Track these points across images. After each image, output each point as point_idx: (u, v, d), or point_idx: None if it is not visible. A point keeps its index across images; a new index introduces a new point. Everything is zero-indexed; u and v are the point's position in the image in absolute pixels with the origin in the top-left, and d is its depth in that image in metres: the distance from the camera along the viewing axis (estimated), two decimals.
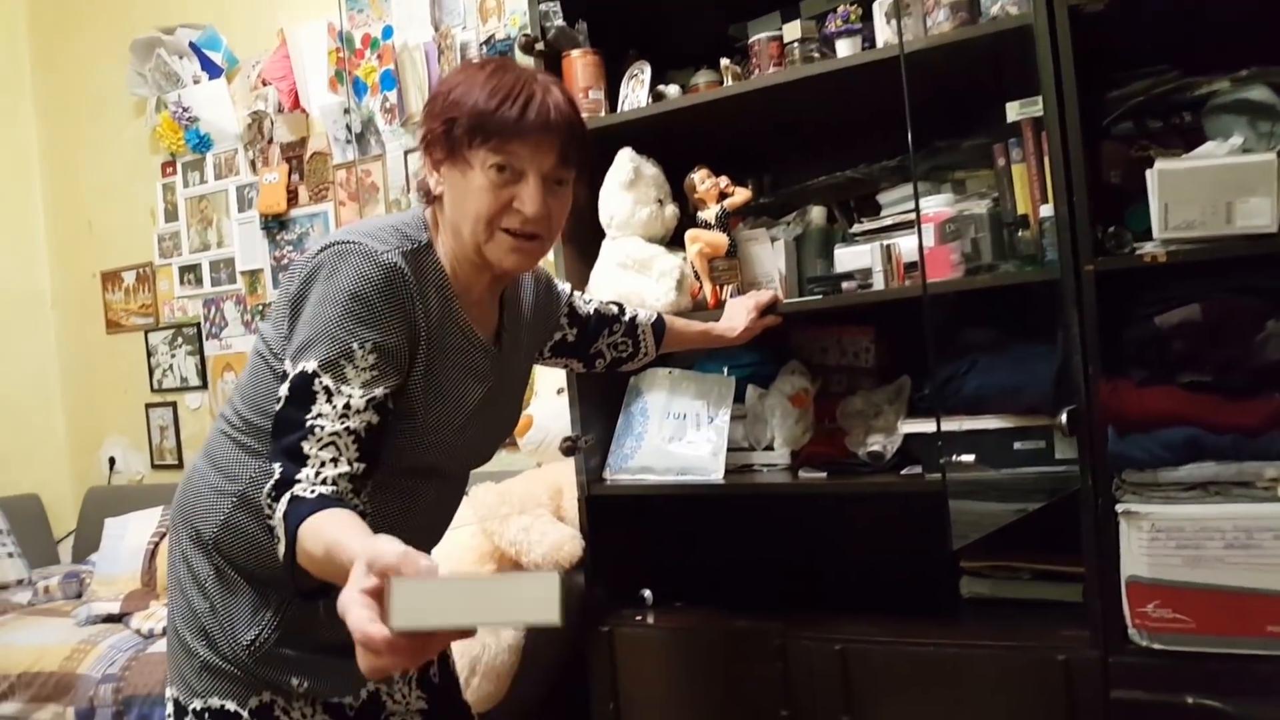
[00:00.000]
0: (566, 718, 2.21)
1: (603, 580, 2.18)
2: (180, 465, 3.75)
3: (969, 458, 1.64)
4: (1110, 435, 1.59)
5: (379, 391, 1.20)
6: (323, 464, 1.14)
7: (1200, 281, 1.55)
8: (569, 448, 2.08)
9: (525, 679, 2.08)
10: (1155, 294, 1.58)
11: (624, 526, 2.20)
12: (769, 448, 2.04)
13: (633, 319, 1.74)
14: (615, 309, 1.73)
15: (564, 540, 2.20)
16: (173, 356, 3.73)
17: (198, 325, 3.64)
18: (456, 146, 1.24)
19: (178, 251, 3.68)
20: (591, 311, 1.69)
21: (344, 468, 1.15)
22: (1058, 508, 1.70)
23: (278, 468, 1.14)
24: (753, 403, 2.05)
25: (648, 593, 2.21)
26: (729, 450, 2.01)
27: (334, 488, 1.13)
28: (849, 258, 1.86)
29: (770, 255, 1.93)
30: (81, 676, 2.56)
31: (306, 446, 1.14)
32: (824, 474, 1.92)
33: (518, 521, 2.18)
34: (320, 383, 1.16)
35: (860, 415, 1.97)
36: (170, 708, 1.37)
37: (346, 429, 1.17)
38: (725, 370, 2.07)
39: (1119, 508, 1.59)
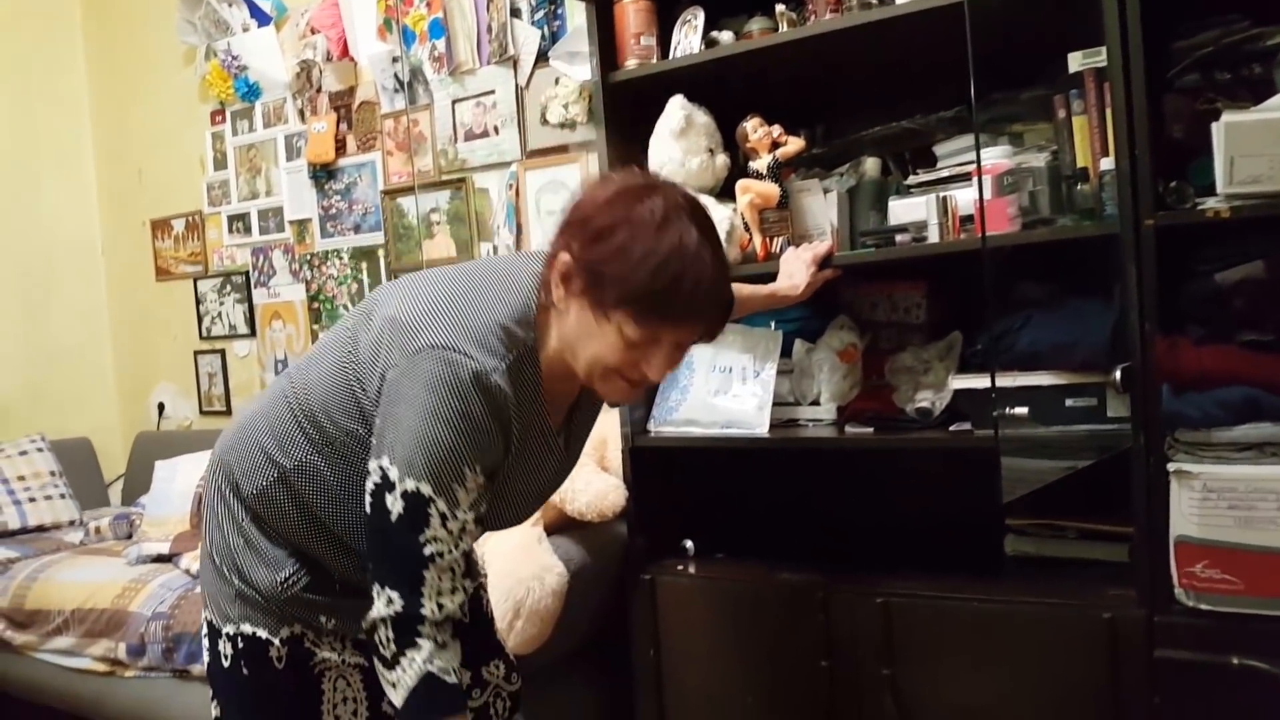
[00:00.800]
0: (608, 663, 2.26)
1: (645, 530, 2.21)
2: (228, 412, 3.84)
3: (1021, 410, 1.64)
4: (1165, 393, 1.58)
5: (483, 508, 1.27)
6: (440, 593, 1.21)
7: (1264, 238, 1.53)
8: (615, 401, 2.10)
9: (568, 624, 2.12)
10: (1217, 250, 1.56)
11: (667, 478, 2.23)
12: (815, 403, 2.05)
13: None
14: None
15: (608, 490, 2.23)
16: (221, 304, 3.80)
17: (246, 273, 3.71)
18: (600, 299, 1.21)
19: (226, 200, 3.73)
20: None
21: (460, 596, 1.24)
22: (1106, 467, 1.70)
23: (396, 596, 1.19)
24: (800, 357, 2.06)
25: (689, 543, 2.24)
26: (774, 405, 2.03)
27: (452, 625, 1.23)
28: (903, 210, 1.86)
29: (822, 207, 1.93)
30: (133, 614, 2.63)
31: (428, 576, 1.20)
32: (870, 429, 1.93)
33: None
34: (435, 507, 1.20)
35: (909, 371, 1.98)
36: (205, 629, 1.42)
37: (462, 553, 1.23)
38: (772, 325, 2.08)
39: (1170, 467, 1.59)
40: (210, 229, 3.81)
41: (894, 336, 2.07)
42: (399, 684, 1.20)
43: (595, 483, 2.23)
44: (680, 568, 2.16)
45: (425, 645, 1.20)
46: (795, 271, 1.86)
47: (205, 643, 1.43)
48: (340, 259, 3.42)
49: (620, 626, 2.20)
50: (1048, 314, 1.72)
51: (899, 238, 1.84)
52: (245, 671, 1.37)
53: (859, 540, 2.24)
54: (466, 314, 1.25)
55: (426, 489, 1.19)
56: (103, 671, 2.68)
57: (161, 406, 4.04)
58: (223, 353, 3.83)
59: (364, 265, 3.36)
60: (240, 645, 1.37)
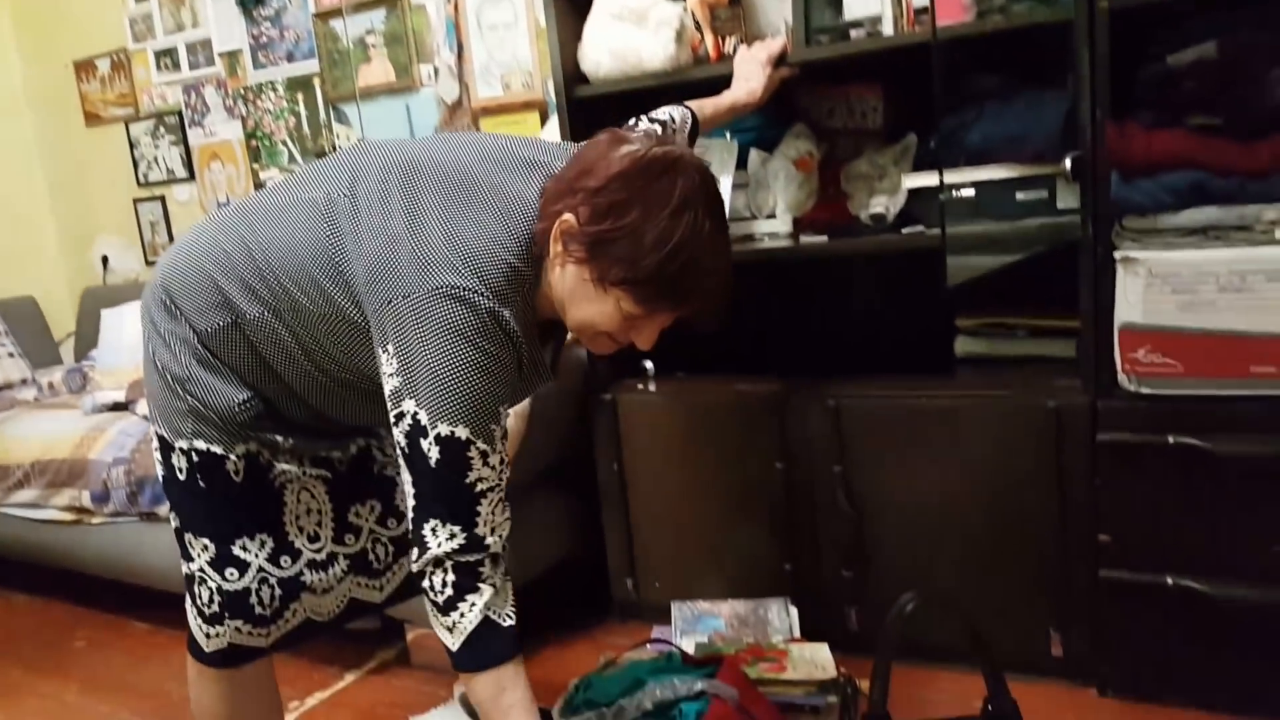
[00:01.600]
0: (574, 481, 2.33)
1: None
2: None
3: (969, 191, 1.65)
4: (1114, 180, 1.60)
5: None
6: (495, 527, 1.24)
7: (1217, 18, 1.52)
8: None
9: (533, 445, 2.17)
10: (1171, 33, 1.56)
11: None
12: (771, 216, 2.05)
13: (664, 127, 1.66)
14: (658, 128, 1.64)
15: None
16: (156, 148, 3.67)
17: (179, 113, 3.57)
18: (602, 273, 1.21)
19: (151, 35, 3.55)
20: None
21: (509, 526, 1.27)
22: (1055, 264, 1.74)
23: (458, 530, 1.21)
24: (756, 168, 2.05)
25: (649, 364, 2.27)
26: (731, 220, 2.02)
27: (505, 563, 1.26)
28: (858, 5, 1.81)
29: (776, 4, 1.88)
30: (93, 461, 2.63)
31: (482, 510, 1.22)
32: (825, 237, 1.94)
33: None
34: (475, 448, 1.20)
35: (865, 178, 1.98)
36: (156, 442, 1.41)
37: (503, 483, 1.26)
38: (728, 135, 2.05)
39: (1117, 254, 1.62)
40: (137, 67, 3.63)
41: (851, 145, 2.06)
42: (456, 628, 1.22)
43: None
44: (640, 386, 2.20)
45: (486, 589, 1.22)
46: (751, 75, 1.82)
47: (158, 456, 1.41)
48: (275, 92, 3.29)
49: (584, 445, 2.25)
50: (1001, 106, 1.72)
51: (854, 33, 1.81)
52: (202, 484, 1.37)
53: (815, 350, 2.28)
54: (478, 245, 1.22)
55: (463, 433, 1.19)
56: (70, 521, 2.69)
57: (106, 260, 3.95)
58: (163, 199, 3.73)
59: (300, 96, 3.25)
60: (195, 459, 1.36)
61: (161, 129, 3.63)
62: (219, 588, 1.39)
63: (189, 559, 1.42)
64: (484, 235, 1.22)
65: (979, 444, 1.81)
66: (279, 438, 1.40)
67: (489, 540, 1.22)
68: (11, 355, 3.58)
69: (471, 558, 1.21)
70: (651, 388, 2.20)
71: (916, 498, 1.88)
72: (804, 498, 1.99)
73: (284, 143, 3.33)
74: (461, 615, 1.21)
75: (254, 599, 1.40)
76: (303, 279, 1.28)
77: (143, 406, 2.79)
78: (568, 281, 1.24)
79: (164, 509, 2.47)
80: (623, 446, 2.19)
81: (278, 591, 1.42)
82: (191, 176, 3.61)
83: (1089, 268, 1.66)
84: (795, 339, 2.38)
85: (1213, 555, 1.65)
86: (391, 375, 1.22)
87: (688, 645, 1.82)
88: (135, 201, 3.80)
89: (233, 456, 1.37)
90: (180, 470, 1.37)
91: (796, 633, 1.91)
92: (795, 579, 2.02)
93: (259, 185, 3.43)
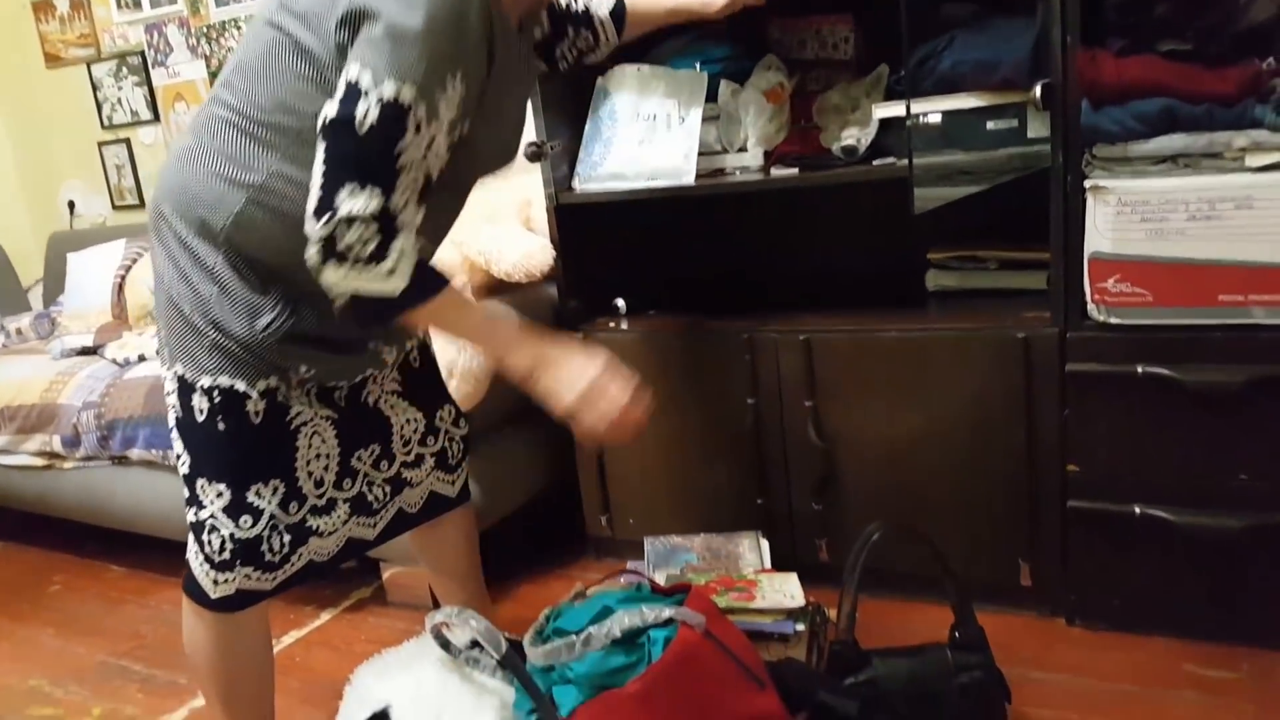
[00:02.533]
0: (546, 416, 2.32)
1: (576, 291, 2.23)
2: (142, 205, 3.71)
3: (936, 118, 1.64)
4: (1084, 108, 1.59)
5: (457, 133, 1.25)
6: (408, 207, 1.20)
7: None
8: (534, 153, 2.07)
9: (503, 384, 2.16)
10: None
11: (595, 236, 2.23)
12: (742, 149, 2.03)
13: (586, 10, 1.68)
14: (577, 5, 1.67)
15: (534, 250, 2.22)
16: (120, 90, 3.60)
17: (142, 53, 3.49)
18: None
19: None
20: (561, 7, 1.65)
21: (417, 215, 1.23)
22: (1027, 197, 1.73)
23: (378, 192, 1.16)
24: (726, 100, 2.02)
25: (621, 302, 2.27)
26: (701, 155, 2.00)
27: None
28: None
29: None
30: (63, 405, 2.62)
31: (400, 181, 1.18)
32: (795, 170, 1.93)
33: (487, 231, 2.19)
34: (414, 116, 1.16)
35: (837, 111, 1.96)
36: (174, 384, 1.39)
37: (426, 172, 1.22)
38: (698, 66, 2.03)
39: (1087, 183, 1.62)
40: (97, 6, 3.55)
41: (822, 77, 2.04)
42: (397, 269, 1.20)
43: (521, 242, 2.22)
44: (612, 325, 2.20)
45: (408, 234, 1.21)
46: None
47: (174, 399, 1.39)
48: (239, 29, 3.23)
49: None
50: (971, 34, 1.70)
51: None
52: (221, 426, 1.36)
53: (787, 286, 2.28)
54: None
55: (407, 95, 1.14)
56: (41, 466, 2.69)
57: (72, 205, 3.89)
58: (128, 142, 3.66)
59: None
60: (217, 399, 1.35)
61: (124, 70, 3.56)
62: (231, 535, 1.38)
63: (198, 506, 1.40)
64: None
65: (949, 377, 1.82)
66: (303, 366, 1.39)
67: (402, 218, 1.20)
68: None
69: (388, 223, 1.18)
70: (624, 325, 2.19)
71: (886, 431, 1.89)
72: (775, 433, 1.99)
73: None
74: (398, 256, 1.20)
75: (264, 546, 1.40)
76: (297, 91, 1.26)
77: (111, 350, 2.77)
78: None
79: (136, 452, 2.46)
80: None
81: (286, 538, 1.42)
82: (156, 118, 3.55)
83: (1059, 197, 1.66)
84: (767, 274, 2.37)
85: (1180, 484, 1.67)
86: (347, 66, 1.17)
87: (660, 579, 1.84)
88: (100, 145, 3.73)
89: (254, 394, 1.36)
90: (200, 411, 1.36)
91: (768, 565, 1.92)
92: (767, 513, 2.03)
93: None
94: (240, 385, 1.35)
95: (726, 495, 2.07)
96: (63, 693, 2.08)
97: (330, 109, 1.17)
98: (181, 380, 1.37)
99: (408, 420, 1.60)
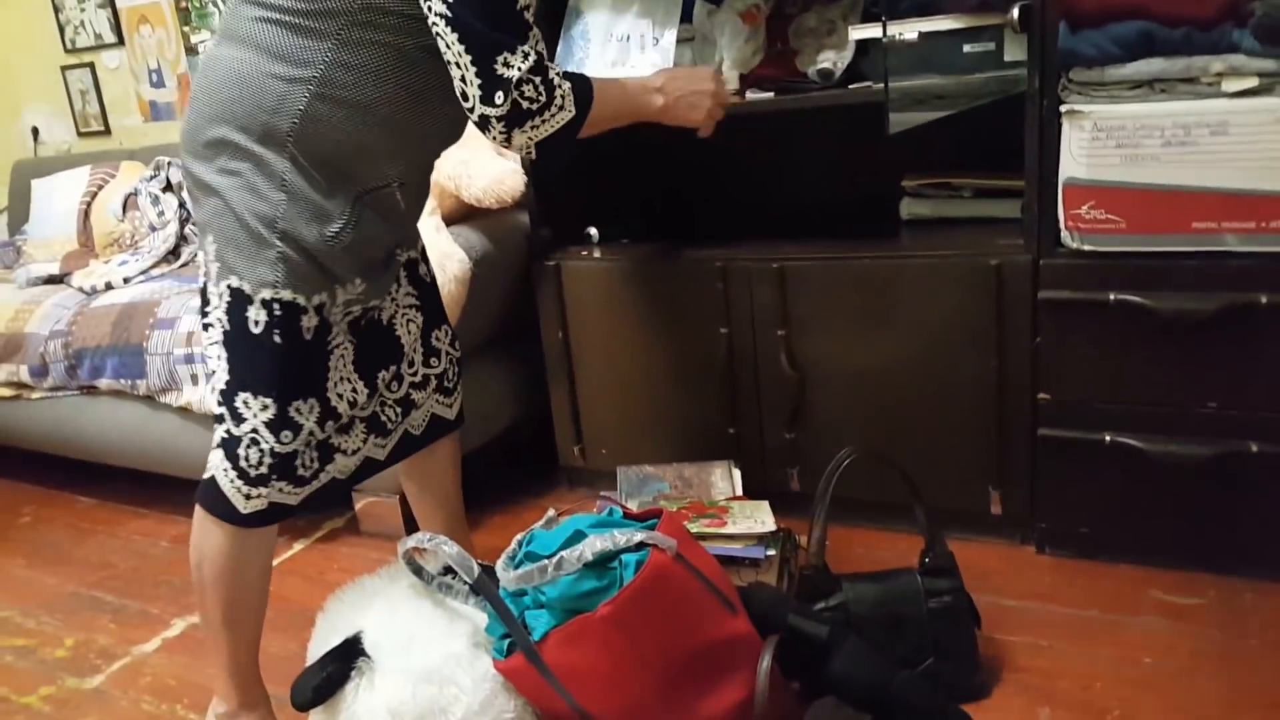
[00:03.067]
0: (520, 348, 2.32)
1: (548, 219, 2.21)
2: (107, 131, 3.64)
3: (912, 36, 1.62)
4: (1062, 31, 1.57)
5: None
6: (539, 38, 1.32)
7: None
8: None
9: (476, 311, 2.15)
10: None
11: (568, 166, 2.20)
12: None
13: None
14: None
15: (505, 174, 2.20)
16: (82, 10, 3.51)
17: None
18: None
19: None
20: None
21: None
22: (1002, 123, 1.72)
23: (529, 48, 1.29)
24: (701, 21, 1.99)
25: (593, 230, 2.25)
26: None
27: None
28: None
29: None
30: (30, 334, 2.60)
31: (531, 26, 1.31)
32: (770, 94, 1.90)
33: (456, 154, 2.16)
34: None
35: (813, 33, 1.93)
36: (225, 298, 1.37)
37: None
38: None
39: (1063, 108, 1.61)
40: None
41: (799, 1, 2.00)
42: (566, 98, 1.33)
43: (492, 167, 2.19)
44: (585, 254, 2.18)
45: (551, 64, 1.33)
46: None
47: (221, 314, 1.38)
48: None
49: (529, 312, 2.24)
50: None
51: None
52: (277, 339, 1.36)
53: (761, 212, 2.27)
54: None
55: None
56: (9, 396, 2.67)
57: (36, 131, 3.81)
58: (92, 66, 3.58)
59: None
60: (277, 312, 1.35)
61: None
62: (271, 449, 1.40)
63: (237, 420, 1.40)
64: None
65: (921, 305, 1.82)
66: (357, 279, 1.41)
67: (544, 52, 1.33)
68: None
69: (540, 66, 1.30)
70: (596, 254, 2.18)
71: (858, 361, 1.89)
72: (747, 363, 2.00)
73: (215, 2, 3.19)
74: (560, 89, 1.33)
75: (299, 461, 1.43)
76: None
77: (78, 278, 2.74)
78: None
79: (104, 382, 2.45)
80: (567, 314, 2.18)
81: (315, 454, 1.45)
82: (121, 41, 3.46)
83: (1034, 122, 1.64)
84: (741, 200, 2.35)
85: (1150, 412, 1.68)
86: None
87: (633, 505, 1.85)
88: (63, 69, 3.65)
89: (310, 309, 1.37)
90: (256, 324, 1.36)
91: (739, 493, 1.94)
92: (739, 442, 2.04)
93: (190, 50, 3.31)
94: (300, 299, 1.37)
95: (699, 425, 2.08)
96: (34, 623, 2.09)
97: (436, 3, 1.24)
98: (237, 293, 1.37)
99: (417, 340, 1.62)
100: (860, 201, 2.12)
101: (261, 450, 1.40)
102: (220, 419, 1.42)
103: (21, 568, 2.37)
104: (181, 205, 2.91)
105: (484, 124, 1.31)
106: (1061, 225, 1.67)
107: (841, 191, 2.19)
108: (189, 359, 2.29)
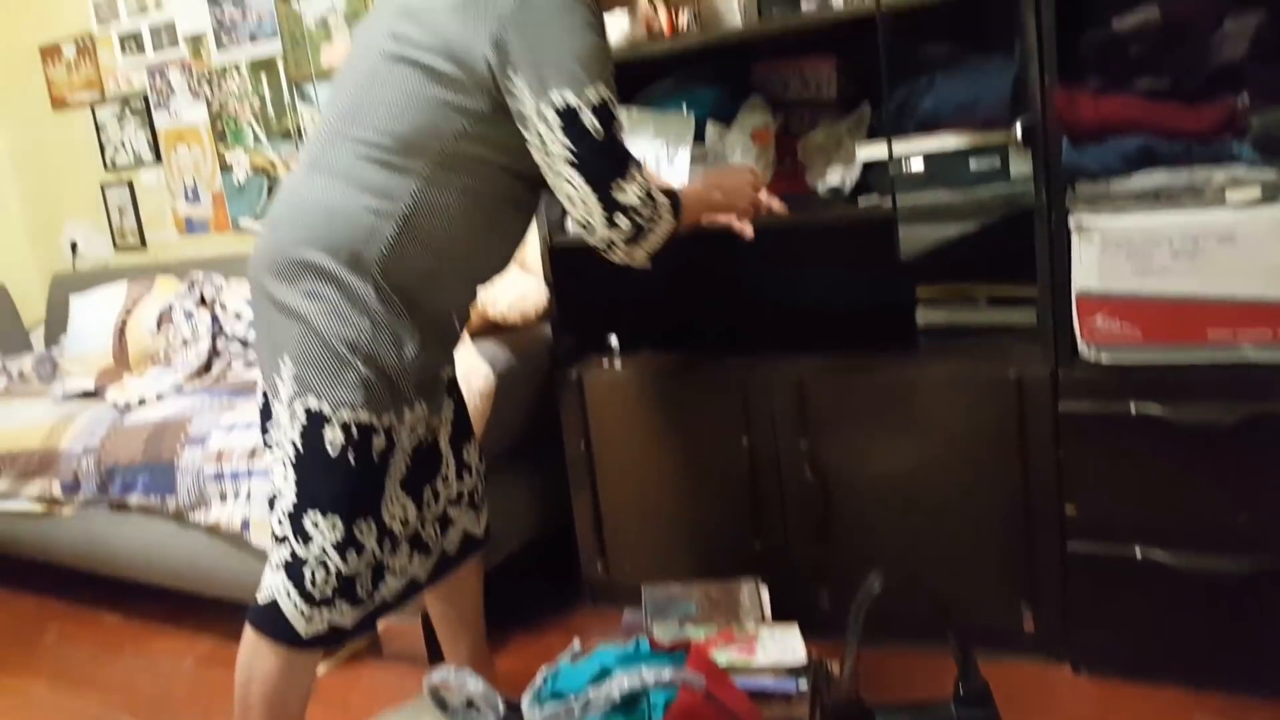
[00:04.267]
0: (542, 459, 2.37)
1: (570, 329, 2.29)
2: (143, 245, 3.81)
3: (918, 166, 1.68)
4: (1065, 146, 1.63)
5: None
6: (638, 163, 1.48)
7: None
8: None
9: (499, 424, 2.21)
10: None
11: (588, 275, 2.27)
12: (676, 213, 2.08)
13: None
14: None
15: (529, 290, 2.29)
16: (123, 132, 3.72)
17: (145, 97, 3.61)
18: None
19: (115, 17, 3.59)
20: None
21: None
22: (1015, 233, 1.77)
23: (636, 171, 1.45)
24: (713, 141, 2.08)
25: (614, 339, 2.32)
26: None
27: None
28: None
29: None
30: (63, 451, 2.67)
31: (633, 152, 1.46)
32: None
33: None
34: (613, 104, 1.41)
35: (821, 150, 2.01)
36: (300, 419, 1.44)
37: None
38: (685, 108, 2.09)
39: (1071, 221, 1.66)
40: (102, 51, 3.67)
41: (806, 117, 2.09)
42: (666, 211, 1.49)
43: (516, 284, 2.28)
44: (605, 363, 2.25)
45: (651, 180, 1.49)
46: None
47: (294, 433, 1.45)
48: (239, 73, 3.34)
49: (551, 424, 2.29)
50: (951, 75, 1.75)
51: (804, 5, 1.84)
52: (351, 459, 1.44)
53: (778, 321, 2.32)
54: None
55: (604, 91, 1.40)
56: (40, 512, 2.74)
57: (75, 245, 4.00)
58: (130, 184, 3.77)
59: (264, 77, 3.29)
60: (354, 435, 1.44)
61: (128, 112, 3.68)
62: (338, 570, 1.46)
63: (304, 540, 1.46)
64: None
65: (943, 416, 1.85)
66: (421, 401, 1.51)
67: (645, 171, 1.48)
68: None
69: (647, 186, 1.46)
70: (617, 364, 2.24)
71: (882, 472, 1.92)
72: (771, 473, 2.03)
73: (249, 124, 3.37)
74: (664, 204, 1.49)
75: (358, 582, 1.49)
76: (433, 114, 1.41)
77: (112, 393, 2.84)
78: None
79: (135, 498, 2.52)
80: (590, 425, 2.23)
81: (370, 574, 1.51)
82: (158, 160, 3.65)
83: (1044, 235, 1.70)
84: (758, 309, 2.41)
85: (1180, 526, 1.68)
86: (524, 86, 1.37)
87: (659, 629, 1.86)
88: (103, 186, 3.85)
89: (381, 430, 1.46)
90: (332, 445, 1.44)
91: (768, 613, 1.94)
92: (765, 557, 2.06)
93: (225, 167, 3.48)
94: (374, 420, 1.45)
95: (724, 538, 2.11)
96: None
97: (558, 143, 1.39)
98: (314, 415, 1.44)
99: (451, 455, 1.68)
100: (876, 308, 2.17)
101: (328, 571, 1.46)
102: (282, 540, 1.47)
103: (44, 690, 2.41)
104: (214, 320, 3.03)
105: (608, 246, 1.49)
106: (1077, 336, 1.71)
107: (857, 297, 2.25)
108: (218, 476, 2.36)
